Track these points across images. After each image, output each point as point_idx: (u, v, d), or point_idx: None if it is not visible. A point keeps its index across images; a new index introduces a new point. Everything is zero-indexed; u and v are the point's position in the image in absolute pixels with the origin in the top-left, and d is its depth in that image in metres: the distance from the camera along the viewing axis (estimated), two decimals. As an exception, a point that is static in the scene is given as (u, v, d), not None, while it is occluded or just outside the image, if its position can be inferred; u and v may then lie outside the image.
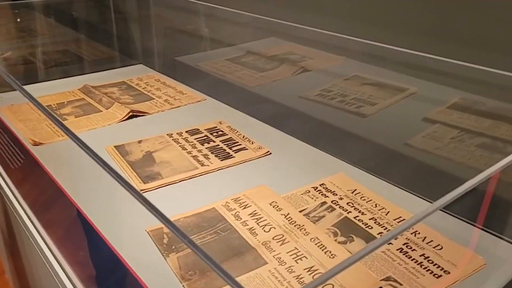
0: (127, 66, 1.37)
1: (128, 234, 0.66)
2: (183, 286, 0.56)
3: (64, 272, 0.63)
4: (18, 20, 1.60)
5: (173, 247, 0.62)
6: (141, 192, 0.74)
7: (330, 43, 0.99)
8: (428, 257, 0.60)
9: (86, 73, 1.29)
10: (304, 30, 0.99)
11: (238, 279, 0.56)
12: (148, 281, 0.56)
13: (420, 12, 0.79)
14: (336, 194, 0.74)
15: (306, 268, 0.58)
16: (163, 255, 0.60)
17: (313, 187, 0.76)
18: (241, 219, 0.67)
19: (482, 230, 0.64)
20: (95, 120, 0.97)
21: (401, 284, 0.55)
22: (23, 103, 1.04)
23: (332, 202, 0.72)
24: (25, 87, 1.25)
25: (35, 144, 0.87)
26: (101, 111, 1.02)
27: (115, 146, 0.86)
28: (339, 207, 0.71)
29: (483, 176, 0.39)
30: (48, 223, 0.75)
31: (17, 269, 1.10)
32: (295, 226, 0.66)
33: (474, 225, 0.64)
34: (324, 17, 0.99)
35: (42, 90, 1.15)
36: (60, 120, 0.56)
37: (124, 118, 0.98)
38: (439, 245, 0.62)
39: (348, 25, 0.94)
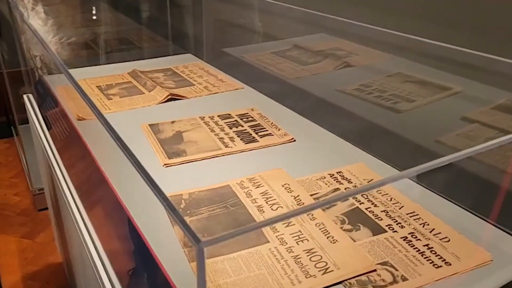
0: (177, 54, 1.43)
1: (148, 199, 0.70)
2: (185, 252, 0.59)
3: (92, 240, 0.69)
4: (86, 10, 1.73)
5: (188, 211, 0.66)
6: (164, 166, 0.79)
7: (380, 39, 0.99)
8: (432, 247, 0.59)
9: (138, 59, 1.37)
10: (355, 26, 0.99)
11: (237, 253, 0.59)
12: (155, 243, 0.60)
13: (473, 9, 0.77)
14: (351, 182, 0.74)
15: (305, 250, 0.59)
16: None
17: (330, 174, 0.76)
18: (251, 196, 0.69)
19: (495, 227, 0.61)
20: (136, 101, 1.04)
21: (396, 270, 0.55)
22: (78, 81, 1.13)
23: (345, 189, 0.72)
24: (82, 69, 1.36)
25: (79, 119, 0.95)
26: (144, 93, 1.08)
27: (149, 125, 0.92)
28: (353, 197, 0.71)
29: (463, 153, 0.39)
30: (81, 190, 0.82)
31: (62, 237, 1.20)
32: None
33: (487, 221, 0.62)
34: (377, 12, 0.99)
35: (96, 72, 1.24)
36: (92, 100, 0.61)
37: (163, 100, 1.04)
38: (446, 237, 0.60)
39: (401, 21, 0.93)
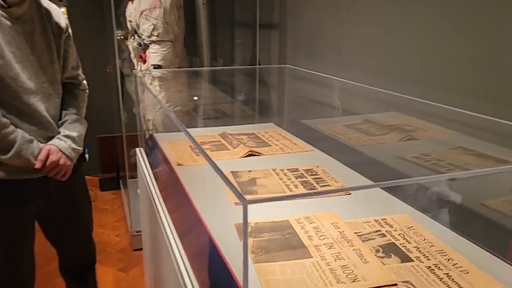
0: (261, 123, 1.68)
1: (227, 226, 0.88)
2: (250, 256, 0.76)
3: (189, 277, 0.87)
4: (191, 86, 2.09)
5: (253, 234, 0.83)
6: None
7: (449, 117, 1.12)
8: (451, 276, 0.69)
9: (228, 125, 1.63)
10: (428, 105, 1.14)
11: (286, 262, 0.74)
12: (229, 253, 0.77)
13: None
14: (392, 227, 0.87)
15: (340, 265, 0.73)
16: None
17: (375, 220, 0.90)
18: (304, 229, 0.85)
19: None
20: (223, 154, 1.27)
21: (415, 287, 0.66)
22: (177, 139, 1.41)
23: (386, 231, 0.85)
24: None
25: (179, 164, 1.19)
26: (229, 149, 1.31)
27: (231, 171, 1.13)
28: (391, 235, 0.83)
29: (435, 177, 0.52)
30: (176, 219, 1.03)
31: (155, 274, 1.40)
32: (345, 240, 0.81)
33: (505, 261, 0.71)
34: (452, 95, 1.11)
35: (194, 133, 1.51)
36: (205, 151, 0.84)
37: (244, 155, 1.26)
38: (466, 270, 0.71)
39: (473, 101, 1.04)
